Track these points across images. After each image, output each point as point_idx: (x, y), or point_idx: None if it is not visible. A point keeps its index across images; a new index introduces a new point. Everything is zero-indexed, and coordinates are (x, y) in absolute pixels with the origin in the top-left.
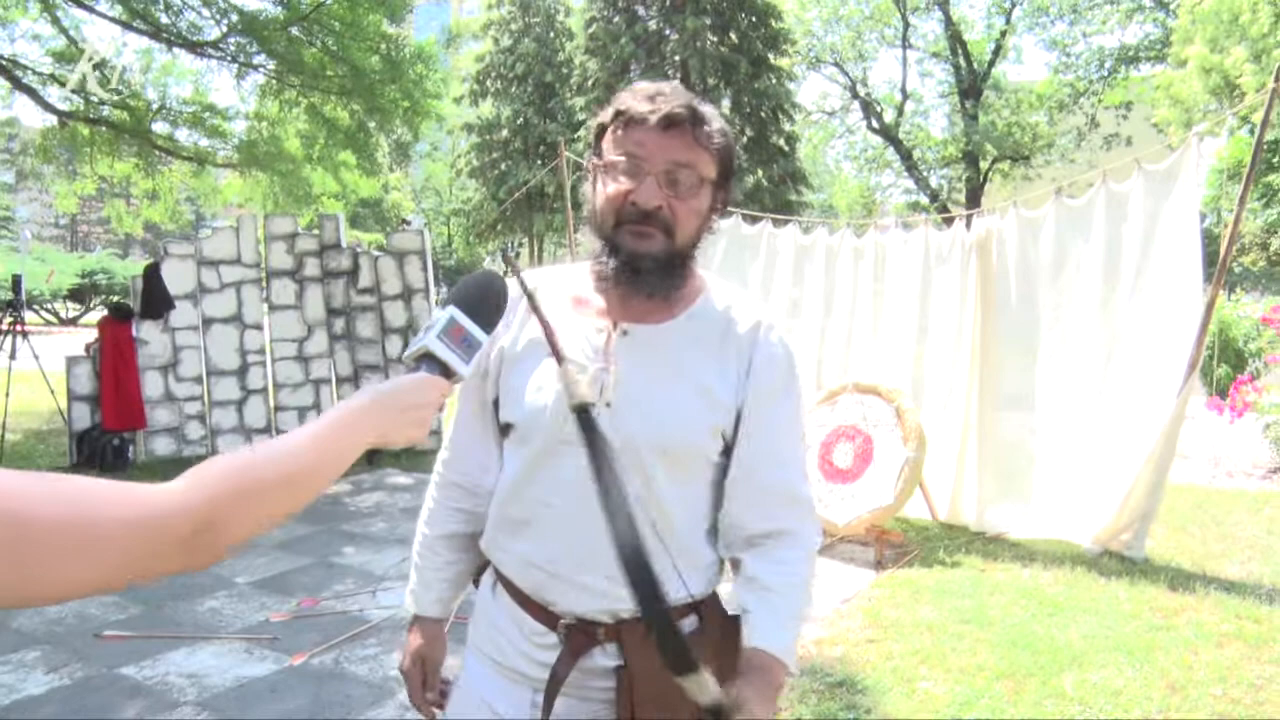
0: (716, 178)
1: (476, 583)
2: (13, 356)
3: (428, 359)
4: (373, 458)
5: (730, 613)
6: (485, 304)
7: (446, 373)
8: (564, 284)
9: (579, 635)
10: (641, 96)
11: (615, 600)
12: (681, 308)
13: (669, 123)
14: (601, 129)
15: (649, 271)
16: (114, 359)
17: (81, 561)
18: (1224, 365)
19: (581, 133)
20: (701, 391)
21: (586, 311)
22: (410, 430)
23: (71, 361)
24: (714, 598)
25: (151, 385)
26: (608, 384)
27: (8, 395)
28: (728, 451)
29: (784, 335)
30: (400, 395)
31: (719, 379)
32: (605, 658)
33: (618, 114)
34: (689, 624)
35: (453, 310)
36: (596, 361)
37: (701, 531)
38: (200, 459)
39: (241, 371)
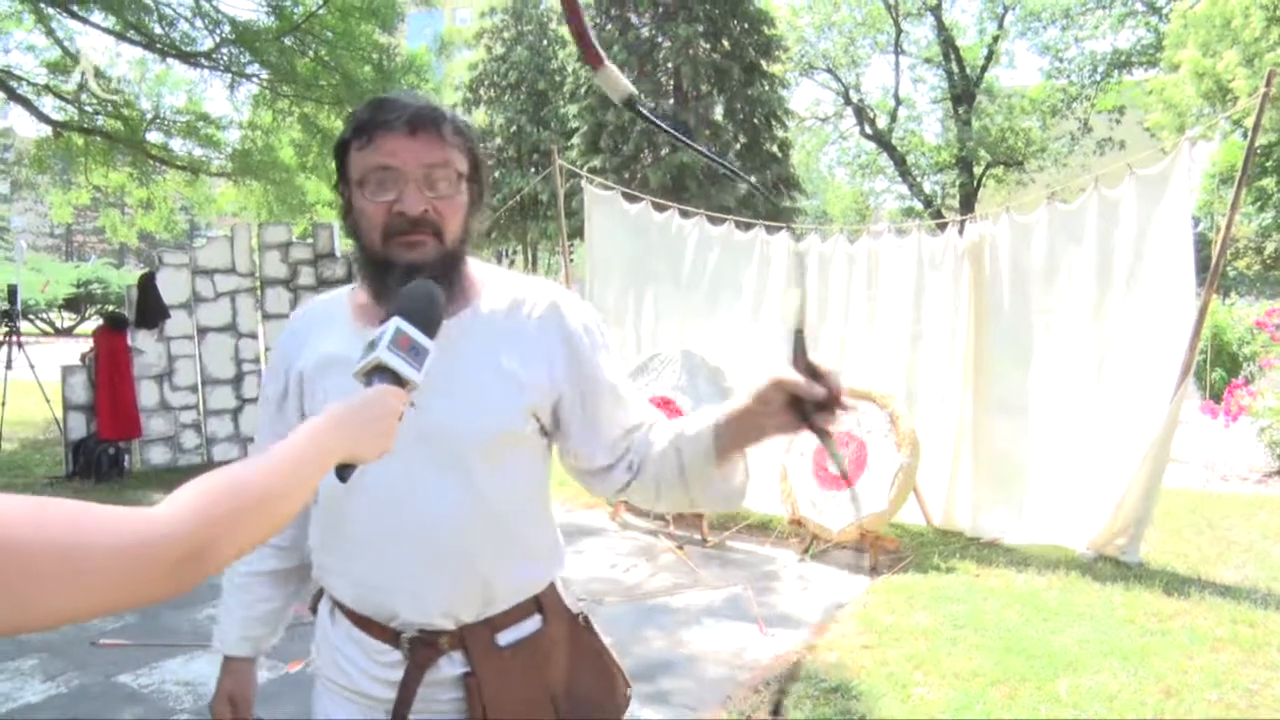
0: (469, 171)
1: (314, 609)
2: (8, 366)
3: (380, 371)
4: (344, 475)
5: (574, 611)
6: (427, 312)
7: (399, 382)
8: (340, 301)
9: (422, 647)
10: (382, 107)
11: (451, 603)
12: (467, 301)
13: (415, 125)
14: (343, 149)
15: (432, 279)
16: (109, 368)
17: (70, 589)
18: (1218, 369)
19: (575, 141)
20: (504, 376)
21: (372, 319)
22: (379, 443)
23: (67, 371)
24: (556, 594)
25: (147, 394)
26: None
27: (3, 405)
28: (545, 433)
29: (583, 304)
30: (363, 410)
31: (522, 363)
32: (451, 666)
33: (358, 129)
34: (531, 624)
35: (398, 321)
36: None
37: (531, 515)
38: (196, 468)
39: (237, 380)
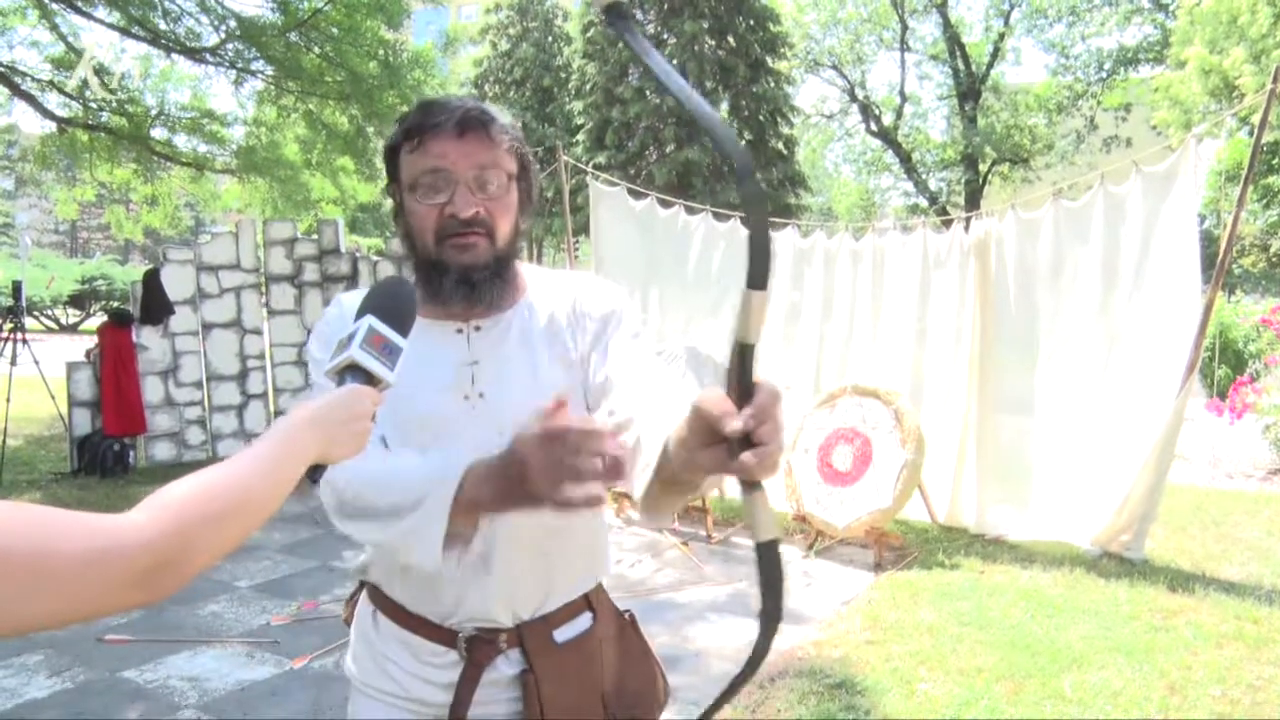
0: (517, 172)
1: (348, 621)
2: (13, 362)
3: (352, 370)
4: (314, 474)
5: (621, 609)
6: (399, 310)
7: (372, 381)
8: None
9: (481, 645)
10: (430, 110)
11: (513, 597)
12: (518, 297)
13: (464, 127)
14: (393, 153)
15: (483, 282)
16: (114, 364)
17: (38, 595)
18: (1224, 367)
19: (580, 137)
20: (560, 365)
21: (433, 315)
22: (352, 443)
23: (72, 367)
24: (604, 592)
25: (152, 390)
26: (478, 376)
27: (8, 401)
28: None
29: (610, 288)
30: (336, 409)
31: (564, 352)
32: (509, 665)
33: (409, 132)
34: (583, 622)
35: (370, 319)
36: (464, 358)
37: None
38: (200, 464)
39: (241, 376)
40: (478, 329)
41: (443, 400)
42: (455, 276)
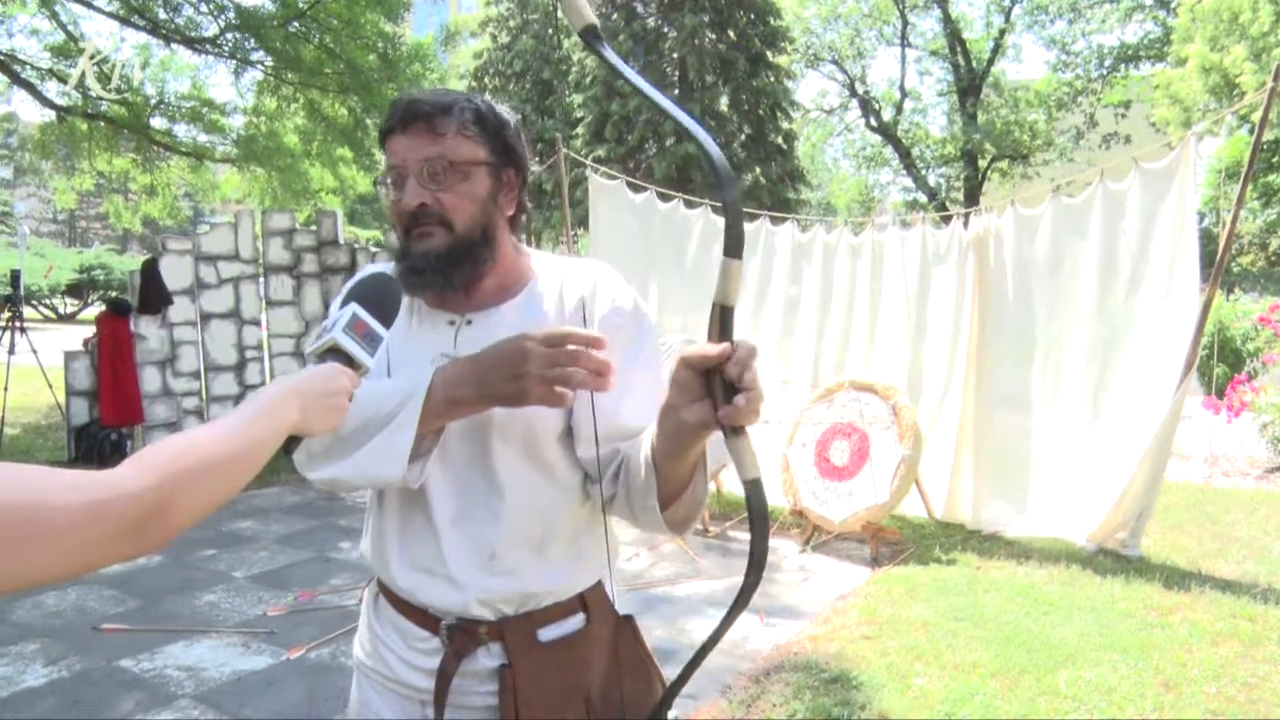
0: (488, 156)
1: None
2: (11, 351)
3: (333, 353)
4: (289, 446)
5: (620, 613)
6: (384, 301)
7: (352, 365)
8: None
9: (461, 635)
10: (391, 109)
11: (489, 593)
12: (519, 288)
13: (406, 123)
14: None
15: (432, 269)
16: (112, 354)
17: (31, 549)
18: (1222, 365)
19: (580, 130)
20: None
21: (435, 306)
22: (329, 418)
23: (70, 357)
24: (602, 594)
25: (149, 380)
26: None
27: (6, 390)
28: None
29: (623, 285)
30: (316, 383)
31: None
32: (489, 658)
33: (382, 133)
34: (574, 622)
35: (355, 307)
36: (449, 352)
37: (575, 512)
38: None
39: (239, 367)
40: (469, 322)
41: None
42: (411, 263)
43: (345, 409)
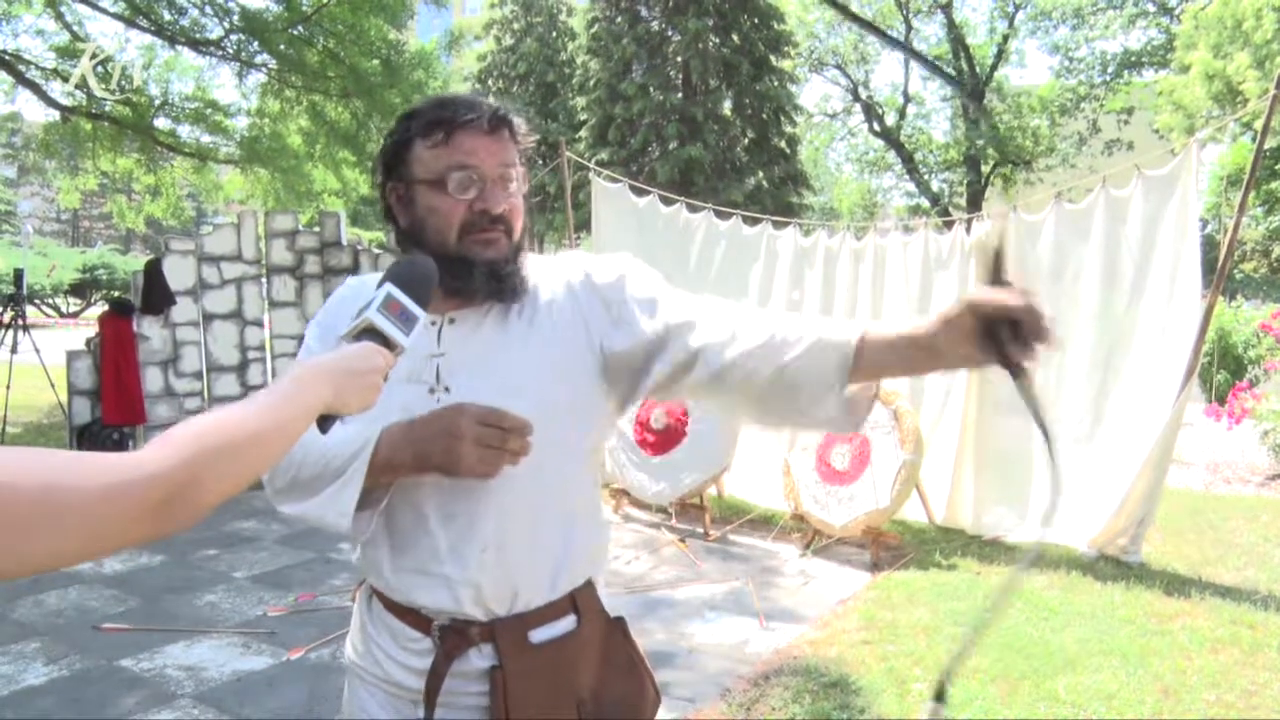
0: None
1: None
2: (14, 350)
3: (369, 333)
4: (324, 425)
5: (612, 614)
6: (419, 282)
7: (388, 345)
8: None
9: (452, 636)
10: (456, 106)
11: (480, 592)
12: (526, 292)
13: (494, 125)
14: (399, 146)
15: (509, 275)
16: (114, 354)
17: (54, 531)
18: (1223, 372)
19: (583, 133)
20: (546, 360)
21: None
22: (364, 396)
23: (72, 356)
24: (594, 594)
25: (152, 380)
26: (444, 370)
27: (8, 389)
28: (620, 403)
29: (606, 257)
30: (350, 361)
31: (564, 347)
32: (480, 659)
33: (432, 126)
34: (565, 624)
35: (390, 287)
36: (431, 350)
37: (576, 513)
38: None
39: (242, 368)
40: (451, 321)
41: (410, 392)
42: (484, 271)
43: (380, 388)
